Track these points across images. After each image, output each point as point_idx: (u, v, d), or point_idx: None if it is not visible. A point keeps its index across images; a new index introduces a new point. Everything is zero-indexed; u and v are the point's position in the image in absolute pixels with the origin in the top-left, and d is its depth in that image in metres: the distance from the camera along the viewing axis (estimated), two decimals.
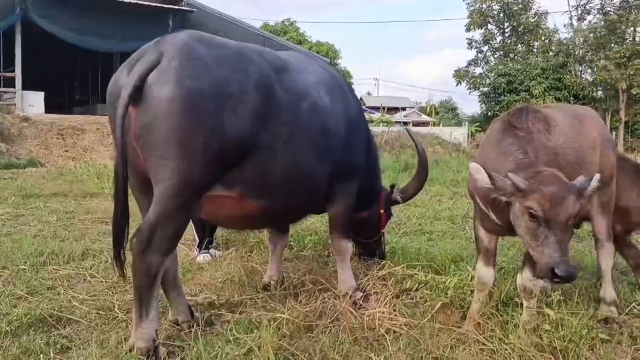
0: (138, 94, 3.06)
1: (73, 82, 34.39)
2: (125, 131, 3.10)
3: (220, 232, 6.98)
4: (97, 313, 4.09)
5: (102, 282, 4.87)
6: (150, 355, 3.22)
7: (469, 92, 43.30)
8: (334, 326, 3.86)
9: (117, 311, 4.11)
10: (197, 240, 5.99)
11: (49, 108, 22.29)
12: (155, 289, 3.25)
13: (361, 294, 4.49)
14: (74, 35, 21.72)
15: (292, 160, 3.69)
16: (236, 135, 3.28)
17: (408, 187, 5.16)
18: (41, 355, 3.33)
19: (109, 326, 3.89)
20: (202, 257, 5.83)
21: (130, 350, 3.28)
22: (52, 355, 3.36)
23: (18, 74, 21.12)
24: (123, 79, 3.21)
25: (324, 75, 4.26)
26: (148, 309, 3.22)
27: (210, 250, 6.07)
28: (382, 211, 5.14)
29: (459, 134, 33.29)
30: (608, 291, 4.35)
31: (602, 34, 36.03)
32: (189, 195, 3.21)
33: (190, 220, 4.17)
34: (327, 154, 4.04)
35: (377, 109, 36.20)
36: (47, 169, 14.64)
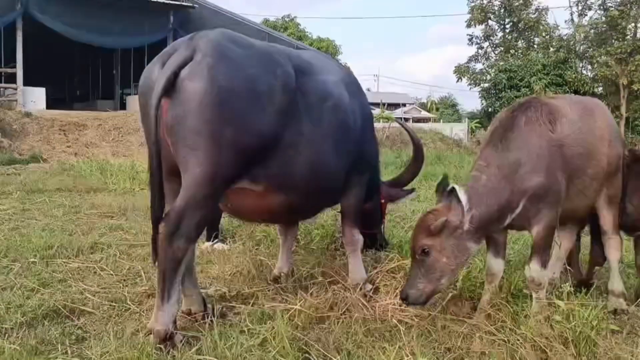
0: (171, 87, 3.20)
1: (73, 78, 34.40)
2: (158, 121, 3.22)
3: (227, 226, 7.04)
4: (110, 305, 4.12)
5: (112, 274, 4.90)
6: (167, 339, 3.28)
7: (470, 88, 43.27)
8: (345, 317, 3.88)
9: (130, 303, 4.14)
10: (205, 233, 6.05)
11: (49, 104, 22.30)
12: (179, 275, 3.35)
13: (371, 286, 4.53)
14: (74, 31, 21.75)
15: (314, 157, 3.85)
16: (262, 132, 3.46)
17: (407, 171, 5.37)
18: (58, 345, 3.36)
19: (122, 317, 3.93)
20: (220, 246, 5.99)
21: (147, 335, 3.37)
22: (68, 345, 3.39)
23: (19, 70, 21.13)
24: (156, 72, 3.34)
25: (343, 74, 4.47)
26: (170, 293, 3.31)
27: (218, 244, 6.13)
28: (382, 201, 5.26)
29: (459, 130, 33.34)
30: (616, 283, 4.37)
31: (603, 29, 35.97)
32: (216, 185, 3.35)
33: None
34: (347, 150, 4.21)
35: (377, 105, 36.17)
36: (49, 165, 14.67)
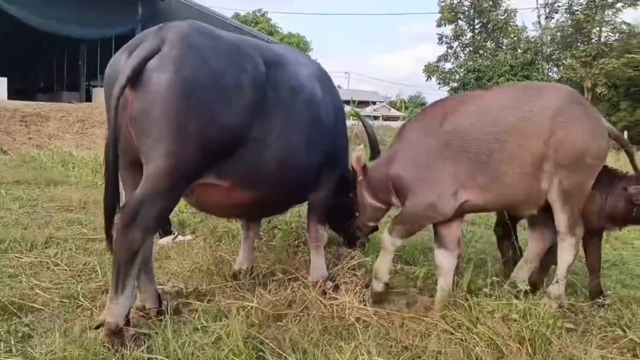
0: (137, 77, 3.11)
1: (37, 68, 33.59)
2: (120, 111, 3.15)
3: (189, 220, 6.94)
4: (61, 301, 3.98)
5: (66, 270, 4.75)
6: (117, 333, 3.19)
7: (439, 88, 43.69)
8: (303, 315, 3.84)
9: (82, 299, 4.02)
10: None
11: (11, 94, 21.73)
12: (134, 267, 3.25)
13: (332, 283, 4.49)
14: (39, 20, 21.13)
15: (285, 152, 3.78)
16: (230, 126, 3.38)
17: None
18: (1, 343, 3.23)
19: (73, 314, 3.80)
20: (180, 239, 6.07)
21: (98, 327, 3.28)
22: (13, 342, 3.26)
23: None
24: (122, 62, 3.25)
25: (314, 68, 4.40)
26: (124, 285, 3.22)
27: (179, 237, 6.07)
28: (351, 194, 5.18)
29: None
30: (555, 286, 4.07)
31: (569, 32, 36.74)
32: (178, 178, 3.26)
33: None
34: (319, 146, 4.15)
35: (347, 102, 36.22)
36: (9, 157, 14.25)
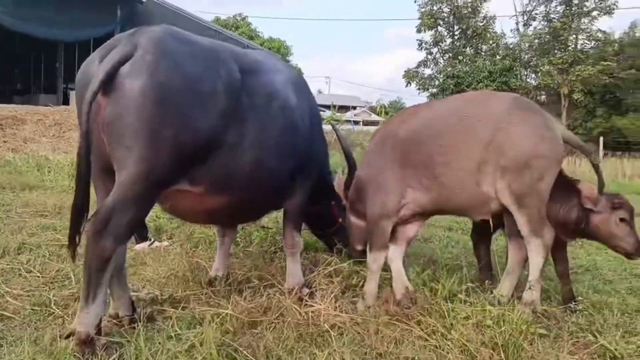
0: (109, 83, 3.07)
1: (13, 70, 33.07)
2: (92, 118, 3.10)
3: (166, 226, 6.89)
4: (32, 309, 3.93)
5: (38, 277, 4.69)
6: (88, 343, 3.14)
7: (419, 93, 43.98)
8: (278, 322, 3.82)
9: (54, 307, 3.96)
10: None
11: None
12: (105, 275, 3.20)
13: (308, 290, 4.49)
14: (15, 21, 20.82)
15: (259, 159, 3.76)
16: (204, 132, 3.35)
17: (348, 177, 5.20)
18: None
19: (45, 322, 3.75)
20: (157, 244, 6.05)
21: (68, 337, 3.23)
22: None
23: None
24: (94, 67, 3.19)
25: (290, 74, 4.39)
26: (95, 293, 3.17)
27: (155, 243, 6.04)
28: (332, 203, 5.24)
29: None
30: (528, 292, 4.07)
31: (546, 40, 37.23)
32: (150, 185, 3.22)
33: None
34: (293, 152, 4.14)
35: (328, 107, 36.25)
36: None
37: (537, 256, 4.04)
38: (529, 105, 4.17)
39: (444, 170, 4.04)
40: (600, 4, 36.11)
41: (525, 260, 4.23)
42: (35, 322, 3.74)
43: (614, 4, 35.91)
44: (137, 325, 3.45)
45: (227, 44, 3.94)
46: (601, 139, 27.38)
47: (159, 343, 3.29)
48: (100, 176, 3.44)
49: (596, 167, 4.48)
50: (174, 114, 3.18)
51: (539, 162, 3.92)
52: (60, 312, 3.88)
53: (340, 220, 5.26)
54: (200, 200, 3.66)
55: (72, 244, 3.27)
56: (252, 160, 3.71)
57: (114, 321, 3.71)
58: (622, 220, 4.13)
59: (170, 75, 3.18)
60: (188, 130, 3.26)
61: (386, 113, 54.53)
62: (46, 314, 3.88)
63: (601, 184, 4.27)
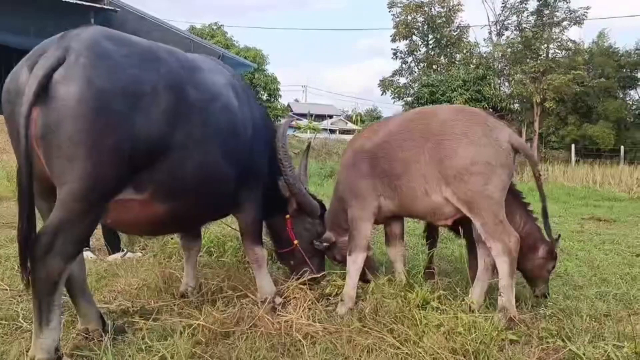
0: (42, 92, 2.86)
1: None
2: (28, 131, 2.86)
3: (140, 237, 6.81)
4: None
5: (6, 290, 4.61)
6: None
7: (394, 102, 44.24)
8: (251, 332, 3.80)
9: (22, 321, 3.89)
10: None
11: None
12: (57, 297, 3.03)
13: (281, 299, 4.47)
14: None
15: (203, 161, 3.63)
16: (147, 136, 3.17)
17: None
18: None
19: (12, 337, 3.68)
20: (130, 255, 6.09)
21: None
22: None
23: None
24: (23, 76, 2.97)
25: (231, 78, 4.25)
26: (49, 317, 3.00)
27: (128, 254, 5.99)
28: (287, 216, 4.94)
29: None
30: (500, 299, 4.11)
31: (518, 49, 37.76)
32: (96, 198, 3.04)
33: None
34: (236, 156, 4.01)
35: (304, 115, 36.36)
36: None
37: (499, 261, 4.10)
38: (471, 117, 4.29)
39: (400, 182, 4.39)
40: (571, 14, 36.78)
41: (494, 266, 4.28)
42: (2, 336, 3.67)
43: (584, 15, 36.64)
44: (107, 339, 3.40)
45: (165, 45, 3.71)
46: (573, 146, 27.87)
47: (129, 356, 3.26)
48: (42, 197, 3.17)
49: (537, 178, 4.64)
50: (115, 118, 2.99)
51: (481, 168, 4.07)
52: (28, 326, 3.80)
53: (297, 242, 4.91)
54: (143, 208, 3.46)
55: (25, 270, 3.04)
56: (195, 162, 3.55)
57: (84, 335, 3.64)
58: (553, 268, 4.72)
59: (107, 78, 2.97)
60: (132, 134, 3.07)
61: (362, 121, 54.96)
62: (13, 328, 3.81)
63: (542, 197, 4.55)
